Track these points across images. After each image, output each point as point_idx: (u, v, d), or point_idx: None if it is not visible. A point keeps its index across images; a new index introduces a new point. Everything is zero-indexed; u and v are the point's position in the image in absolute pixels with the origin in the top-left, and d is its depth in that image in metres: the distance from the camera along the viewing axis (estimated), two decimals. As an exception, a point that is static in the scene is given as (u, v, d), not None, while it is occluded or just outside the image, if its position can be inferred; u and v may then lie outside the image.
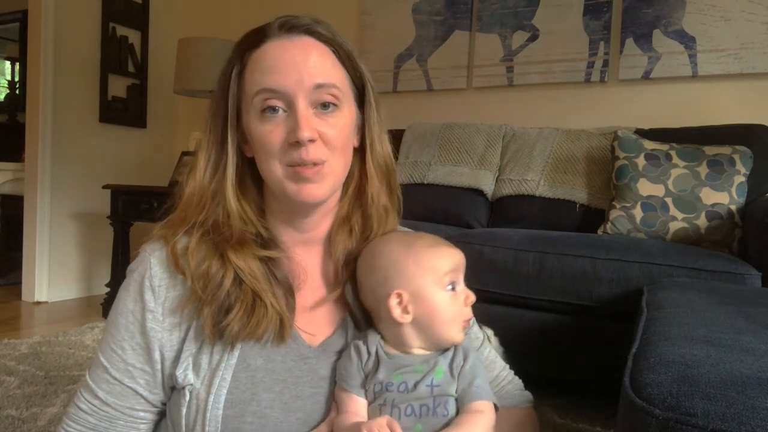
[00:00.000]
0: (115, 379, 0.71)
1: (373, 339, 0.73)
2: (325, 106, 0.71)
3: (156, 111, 3.57)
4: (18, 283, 3.18)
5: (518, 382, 0.88)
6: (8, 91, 4.47)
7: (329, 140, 0.71)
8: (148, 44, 3.49)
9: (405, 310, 0.71)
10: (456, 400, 0.68)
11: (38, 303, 3.06)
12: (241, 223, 0.73)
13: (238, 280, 0.70)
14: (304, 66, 0.69)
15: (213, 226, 0.72)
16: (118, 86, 3.36)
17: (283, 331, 0.71)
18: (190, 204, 0.73)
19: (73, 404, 0.74)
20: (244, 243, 0.72)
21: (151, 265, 0.72)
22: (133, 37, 3.43)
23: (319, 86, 0.69)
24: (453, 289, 0.73)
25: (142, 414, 0.73)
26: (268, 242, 0.74)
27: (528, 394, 0.87)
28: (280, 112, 0.69)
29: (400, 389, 0.68)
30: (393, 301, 0.71)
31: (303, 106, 0.69)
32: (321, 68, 0.70)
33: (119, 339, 0.72)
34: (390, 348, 0.73)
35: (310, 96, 0.69)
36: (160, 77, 3.52)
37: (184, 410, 0.69)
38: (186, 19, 3.66)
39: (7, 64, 4.54)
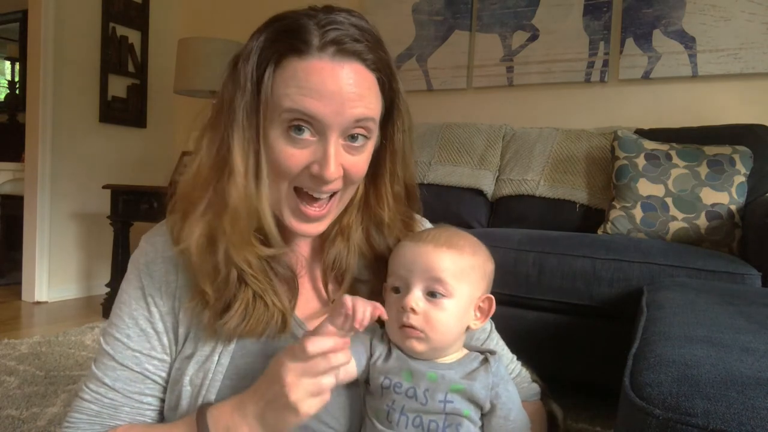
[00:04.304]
0: (123, 365, 0.71)
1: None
2: (354, 137, 0.67)
3: (156, 111, 3.57)
4: (18, 283, 3.18)
5: (526, 374, 0.88)
6: (8, 91, 4.47)
7: (350, 175, 0.68)
8: (148, 44, 3.49)
9: None
10: (470, 421, 0.66)
11: (38, 303, 3.06)
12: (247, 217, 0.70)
13: (239, 278, 0.69)
14: (348, 98, 0.64)
15: (217, 218, 0.68)
16: (118, 86, 3.36)
17: (284, 326, 0.70)
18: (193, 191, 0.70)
19: (77, 397, 0.73)
20: (247, 240, 0.69)
21: (147, 252, 0.73)
22: (133, 37, 3.43)
23: (357, 120, 0.65)
24: (397, 291, 0.70)
25: (149, 399, 0.72)
26: (269, 237, 0.71)
27: (535, 387, 0.87)
28: (306, 133, 0.65)
29: (408, 394, 0.66)
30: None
31: (334, 139, 0.65)
32: (364, 102, 0.65)
33: (123, 327, 0.71)
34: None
35: (344, 129, 0.65)
36: (160, 77, 3.52)
37: (184, 402, 0.69)
38: (186, 19, 3.66)
39: (7, 64, 4.54)
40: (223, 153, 0.66)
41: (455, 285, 0.68)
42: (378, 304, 0.62)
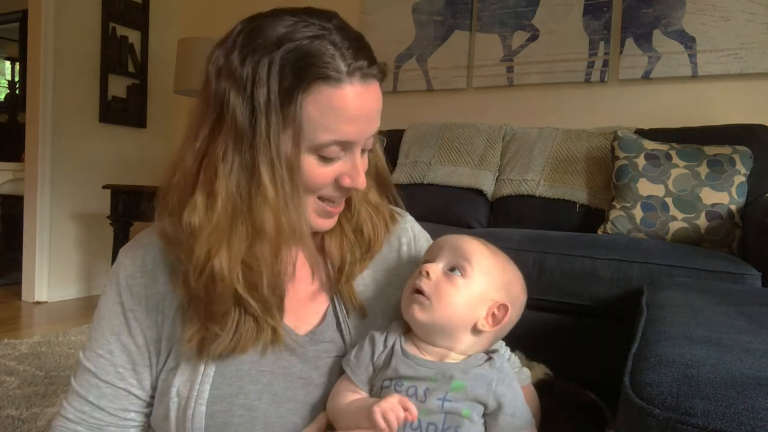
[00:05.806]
0: (106, 382, 0.71)
1: (395, 333, 0.72)
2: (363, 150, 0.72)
3: (156, 111, 3.57)
4: (18, 283, 3.18)
5: (516, 360, 0.89)
6: (8, 91, 4.47)
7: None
8: (148, 44, 3.49)
9: None
10: (471, 422, 0.65)
11: (38, 303, 3.06)
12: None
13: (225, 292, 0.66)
14: (372, 117, 0.69)
15: (255, 247, 0.67)
16: (118, 86, 3.37)
17: (275, 339, 0.69)
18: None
19: (59, 416, 0.72)
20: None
21: (126, 266, 0.72)
22: (133, 37, 3.43)
23: (373, 134, 0.71)
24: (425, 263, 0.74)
25: (133, 415, 0.72)
26: (305, 250, 0.72)
27: (526, 371, 0.88)
28: (336, 152, 0.67)
29: (408, 392, 0.65)
30: None
31: (359, 153, 0.70)
32: (379, 116, 0.71)
33: (105, 343, 0.71)
34: (410, 346, 0.70)
35: (365, 143, 0.70)
36: (160, 77, 3.52)
37: (172, 414, 0.68)
38: (186, 19, 3.66)
39: (7, 64, 4.55)
40: (248, 180, 0.64)
41: (476, 271, 0.71)
42: (408, 404, 0.62)
